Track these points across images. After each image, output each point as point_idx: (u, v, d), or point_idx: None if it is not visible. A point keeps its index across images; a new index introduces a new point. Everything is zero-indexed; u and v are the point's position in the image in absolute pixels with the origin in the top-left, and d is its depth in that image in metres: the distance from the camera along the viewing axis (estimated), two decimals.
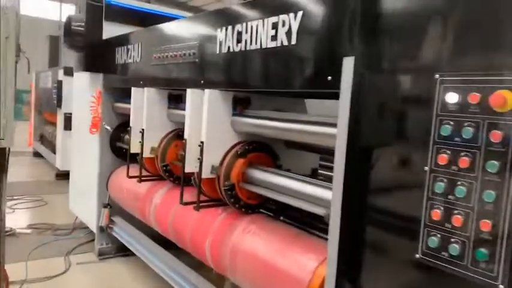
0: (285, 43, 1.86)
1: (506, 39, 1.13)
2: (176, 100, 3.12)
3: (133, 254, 4.07)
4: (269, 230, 2.27)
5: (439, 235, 1.25)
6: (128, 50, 3.40)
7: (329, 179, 2.47)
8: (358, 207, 1.51)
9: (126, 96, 3.90)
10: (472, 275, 1.18)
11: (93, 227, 4.11)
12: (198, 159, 2.37)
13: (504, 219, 1.12)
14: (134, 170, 3.53)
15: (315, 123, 2.10)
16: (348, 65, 1.55)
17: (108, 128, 3.94)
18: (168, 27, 2.91)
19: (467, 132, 1.18)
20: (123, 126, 3.95)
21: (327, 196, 1.88)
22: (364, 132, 1.50)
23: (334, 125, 1.93)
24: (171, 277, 3.06)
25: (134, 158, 3.68)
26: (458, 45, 1.23)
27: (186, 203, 2.53)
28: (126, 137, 3.91)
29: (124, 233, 3.80)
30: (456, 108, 1.21)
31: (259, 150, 2.46)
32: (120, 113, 3.97)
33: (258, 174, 2.36)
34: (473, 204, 1.18)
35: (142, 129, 3.04)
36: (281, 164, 2.57)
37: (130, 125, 3.20)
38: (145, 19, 3.97)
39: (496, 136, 1.12)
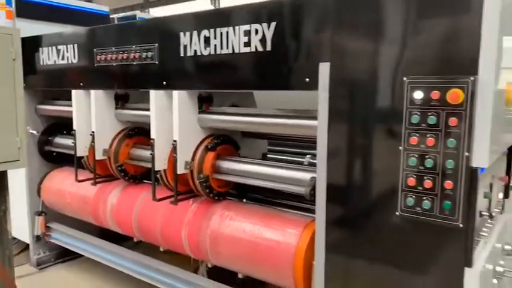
0: (260, 49, 2.13)
1: (457, 52, 1.59)
2: (123, 100, 3.15)
3: (74, 258, 4.01)
4: (244, 213, 2.56)
5: (414, 196, 1.70)
6: (58, 50, 3.25)
7: (278, 161, 2.87)
8: (340, 181, 1.90)
9: (51, 98, 3.73)
10: (440, 221, 1.66)
11: (26, 238, 3.87)
12: (172, 156, 2.52)
13: (461, 179, 1.60)
14: (70, 172, 3.45)
15: (271, 115, 2.45)
16: (324, 69, 1.90)
17: (34, 132, 3.71)
18: (117, 28, 2.91)
19: (432, 120, 1.63)
20: (51, 128, 3.77)
21: (304, 176, 2.24)
22: (341, 124, 1.88)
23: (290, 117, 2.32)
24: (130, 269, 3.15)
25: (68, 161, 3.60)
26: (421, 55, 1.66)
27: (160, 199, 2.66)
28: (57, 140, 3.76)
29: (67, 237, 3.69)
30: (422, 102, 1.65)
31: (225, 142, 2.70)
32: (45, 115, 3.77)
33: (228, 164, 2.61)
34: (438, 171, 1.65)
35: (93, 132, 3.01)
36: (240, 152, 2.85)
37: (75, 128, 3.13)
38: (64, 15, 3.79)
39: (452, 121, 1.59)
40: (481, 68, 1.54)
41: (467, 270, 1.64)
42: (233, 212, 2.57)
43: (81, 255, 3.77)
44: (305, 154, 2.85)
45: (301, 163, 2.77)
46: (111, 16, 4.88)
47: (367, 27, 1.80)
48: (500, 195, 2.20)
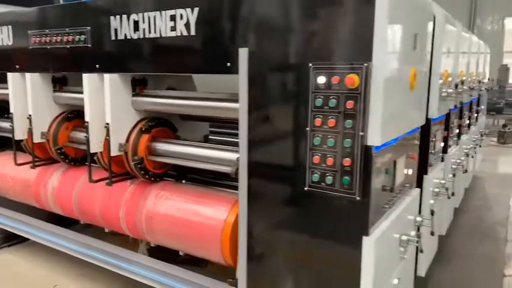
0: (185, 34, 2.20)
1: (353, 40, 1.72)
2: (61, 83, 3.14)
3: (20, 242, 4.02)
4: (179, 192, 2.67)
5: (319, 172, 1.86)
6: None
7: (219, 143, 2.98)
8: (260, 160, 2.03)
9: None
10: (341, 194, 1.82)
11: None
12: (106, 139, 2.58)
13: (358, 157, 1.76)
14: (12, 156, 3.44)
15: (205, 98, 2.55)
16: (243, 54, 2.01)
17: None
18: (51, 10, 2.89)
19: (332, 103, 1.77)
20: None
21: (231, 157, 2.36)
22: (260, 106, 2.00)
23: (223, 100, 2.43)
24: (75, 250, 3.21)
25: (6, 145, 3.57)
26: (324, 44, 1.79)
27: (97, 181, 2.72)
28: None
29: (12, 221, 3.69)
30: (324, 86, 1.79)
31: (161, 125, 2.77)
32: None
33: (163, 146, 2.70)
34: (338, 150, 1.80)
35: (30, 115, 3.00)
36: (179, 135, 2.94)
37: (12, 111, 3.11)
38: None
39: (349, 104, 1.74)
40: (374, 55, 1.69)
41: (364, 238, 1.81)
42: (168, 192, 2.67)
43: (27, 239, 3.79)
44: None
45: None
46: None
47: (277, 16, 1.91)
48: (410, 171, 2.39)
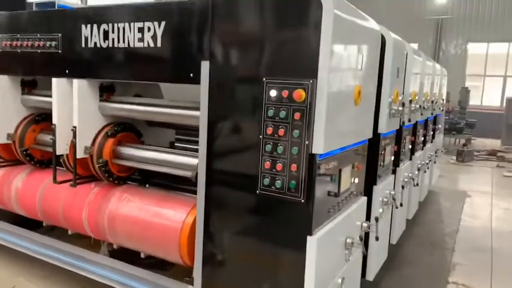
0: (152, 45, 2.36)
1: (301, 59, 1.92)
2: (30, 86, 3.22)
3: None
4: (141, 195, 2.79)
5: (269, 177, 2.03)
6: None
7: (185, 149, 3.12)
8: (218, 165, 2.19)
9: None
10: (288, 197, 2.00)
11: None
12: (72, 141, 2.68)
13: (303, 163, 1.95)
14: None
15: (169, 106, 2.70)
16: (206, 66, 2.18)
17: None
18: (23, 16, 2.98)
19: (282, 114, 1.96)
20: None
21: (192, 162, 2.51)
22: (219, 115, 2.17)
23: (187, 108, 2.58)
24: (38, 252, 3.25)
25: None
26: (276, 61, 1.99)
27: (61, 182, 2.80)
28: None
29: None
30: (276, 99, 1.98)
31: (126, 130, 2.90)
32: None
33: (128, 150, 2.82)
34: (287, 156, 1.98)
35: None
36: (143, 140, 3.06)
37: None
38: None
39: (297, 116, 1.93)
40: (319, 73, 1.89)
41: (308, 238, 1.99)
42: (131, 195, 2.78)
43: None
44: None
45: None
46: (28, 1, 4.82)
47: (237, 34, 2.10)
48: (357, 180, 2.60)
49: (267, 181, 2.04)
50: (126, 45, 2.45)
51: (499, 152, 11.56)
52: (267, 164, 2.03)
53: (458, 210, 6.06)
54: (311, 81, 1.89)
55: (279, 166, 2.00)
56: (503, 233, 5.16)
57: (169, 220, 2.54)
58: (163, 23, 2.31)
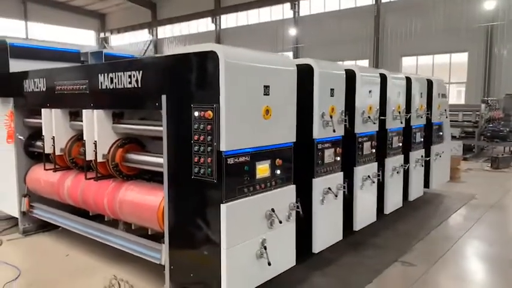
0: (136, 86, 3.64)
1: (210, 91, 3.07)
2: (75, 115, 4.70)
3: (51, 229, 5.54)
4: (139, 187, 4.05)
5: (198, 167, 3.16)
6: (34, 82, 4.84)
7: None
8: (173, 161, 3.37)
9: (34, 114, 5.31)
10: (208, 179, 3.10)
11: (16, 213, 5.43)
12: (94, 151, 4.04)
13: (215, 157, 3.07)
14: (46, 165, 5.00)
15: (157, 125, 3.93)
16: (164, 98, 3.39)
17: (21, 137, 5.29)
18: (67, 69, 4.49)
19: (202, 126, 3.09)
20: (34, 135, 5.34)
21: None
22: (174, 128, 3.36)
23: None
24: (92, 234, 4.64)
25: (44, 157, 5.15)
26: (197, 93, 3.14)
27: (89, 178, 4.18)
28: (37, 143, 5.33)
29: (46, 213, 5.23)
30: (198, 117, 3.12)
31: (132, 142, 4.21)
32: (30, 126, 5.35)
33: (132, 156, 4.12)
34: (205, 153, 3.10)
35: (53, 137, 4.56)
36: (149, 150, 4.34)
37: (43, 134, 4.69)
38: (45, 54, 5.39)
39: (209, 127, 3.05)
40: (220, 99, 3.00)
41: (221, 205, 3.07)
42: (133, 186, 4.07)
43: (57, 226, 5.30)
44: None
45: None
46: (82, 51, 6.48)
47: (179, 79, 3.29)
48: (279, 171, 3.57)
49: (196, 170, 3.17)
50: (122, 86, 3.77)
51: None
52: (196, 159, 3.17)
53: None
54: (215, 105, 3.01)
55: (202, 159, 3.13)
56: None
57: (151, 201, 3.76)
58: (141, 72, 3.59)
